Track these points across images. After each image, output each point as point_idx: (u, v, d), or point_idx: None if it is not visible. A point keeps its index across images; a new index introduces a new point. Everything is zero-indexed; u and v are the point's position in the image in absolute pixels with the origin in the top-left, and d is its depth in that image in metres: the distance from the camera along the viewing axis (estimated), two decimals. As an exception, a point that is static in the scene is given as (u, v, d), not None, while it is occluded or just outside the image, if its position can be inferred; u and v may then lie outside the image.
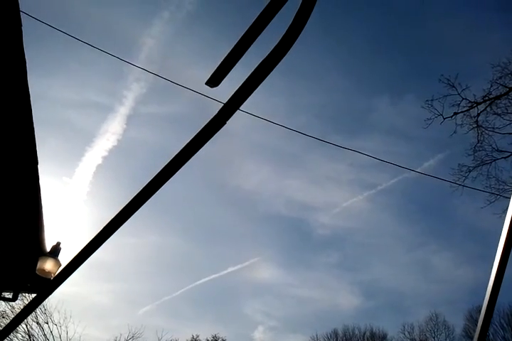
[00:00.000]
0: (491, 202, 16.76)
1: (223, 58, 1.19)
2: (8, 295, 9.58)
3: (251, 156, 60.08)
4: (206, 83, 1.23)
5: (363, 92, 51.11)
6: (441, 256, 66.02)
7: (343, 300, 68.45)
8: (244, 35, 1.17)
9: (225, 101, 1.19)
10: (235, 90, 1.14)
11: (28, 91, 7.11)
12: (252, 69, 1.13)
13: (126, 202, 1.29)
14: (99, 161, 41.99)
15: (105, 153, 41.65)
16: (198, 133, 1.21)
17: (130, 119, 41.95)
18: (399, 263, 67.29)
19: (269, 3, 1.15)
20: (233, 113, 1.17)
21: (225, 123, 1.19)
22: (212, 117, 1.19)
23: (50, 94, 38.36)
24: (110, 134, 41.40)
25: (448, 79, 16.82)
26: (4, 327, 1.40)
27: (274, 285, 68.67)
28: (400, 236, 66.02)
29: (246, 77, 1.17)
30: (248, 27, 1.16)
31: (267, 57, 1.12)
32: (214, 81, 1.20)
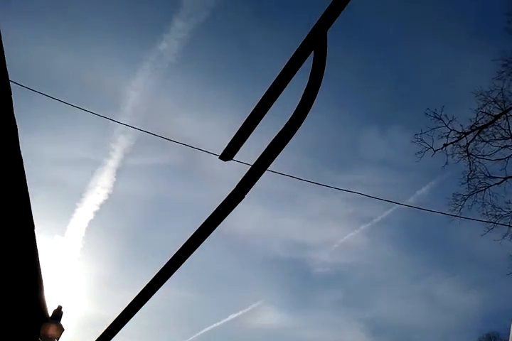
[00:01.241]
0: (489, 229, 16.81)
1: (235, 133, 1.23)
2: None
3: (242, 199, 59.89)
4: (220, 157, 1.27)
5: (351, 125, 51.51)
6: (445, 284, 65.03)
7: (351, 339, 67.07)
8: (253, 110, 1.22)
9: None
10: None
11: (21, 159, 7.17)
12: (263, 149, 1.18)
13: (139, 290, 1.31)
14: (91, 216, 41.69)
15: (96, 208, 41.33)
16: (216, 210, 1.24)
17: (119, 172, 41.91)
18: (404, 296, 66.14)
19: (277, 79, 1.21)
20: (251, 187, 1.21)
21: (244, 197, 1.23)
22: (230, 192, 1.22)
23: (37, 153, 38.45)
24: (100, 188, 41.29)
25: (434, 112, 17.06)
26: None
27: (279, 329, 67.04)
28: (401, 268, 65.18)
29: (260, 153, 1.21)
30: (257, 102, 1.21)
31: (277, 136, 1.16)
32: (227, 155, 1.24)
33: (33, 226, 8.00)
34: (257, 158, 1.19)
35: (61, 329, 8.68)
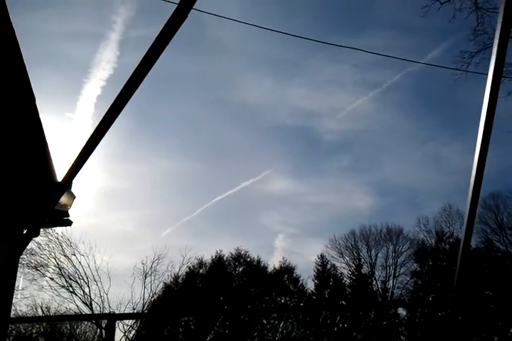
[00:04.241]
0: None
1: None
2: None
3: (249, 69, 59.00)
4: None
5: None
6: (452, 147, 65.92)
7: (357, 202, 70.02)
8: None
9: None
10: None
11: (12, 27, 6.97)
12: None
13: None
14: (99, 92, 41.58)
15: (103, 83, 41.15)
16: (160, 33, 1.19)
17: (123, 45, 40.94)
18: (410, 159, 67.66)
19: None
20: (189, 10, 1.14)
21: (183, 20, 1.17)
22: (170, 16, 1.16)
23: (36, 28, 37.37)
24: (105, 63, 40.69)
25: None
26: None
27: (289, 195, 70.08)
28: (409, 132, 65.80)
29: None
30: None
31: None
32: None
33: (33, 98, 7.98)
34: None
35: (72, 197, 9.03)
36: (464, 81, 16.57)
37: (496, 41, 1.55)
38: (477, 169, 1.68)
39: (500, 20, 1.57)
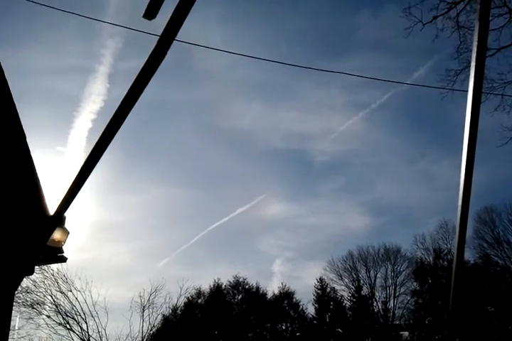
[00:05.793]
0: (482, 102, 16.45)
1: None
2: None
3: (239, 95, 59.54)
4: (143, 16, 1.22)
5: (342, 9, 49.93)
6: (443, 163, 66.24)
7: (353, 223, 69.91)
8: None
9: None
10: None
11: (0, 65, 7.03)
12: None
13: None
14: (90, 125, 41.62)
15: (94, 116, 41.21)
16: (143, 67, 1.22)
17: (112, 77, 41.27)
18: (402, 178, 67.92)
19: None
20: (171, 43, 1.18)
21: (166, 53, 1.19)
22: (151, 50, 1.19)
23: (26, 65, 37.61)
24: (95, 96, 40.86)
25: (423, -17, 16.11)
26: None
27: (285, 218, 69.94)
28: (399, 150, 66.30)
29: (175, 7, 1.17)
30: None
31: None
32: (150, 13, 1.20)
33: (23, 135, 8.00)
34: (171, 14, 1.15)
35: (66, 233, 8.98)
36: (451, 98, 16.71)
37: (474, 56, 1.59)
38: (464, 187, 1.68)
39: (476, 38, 1.61)
